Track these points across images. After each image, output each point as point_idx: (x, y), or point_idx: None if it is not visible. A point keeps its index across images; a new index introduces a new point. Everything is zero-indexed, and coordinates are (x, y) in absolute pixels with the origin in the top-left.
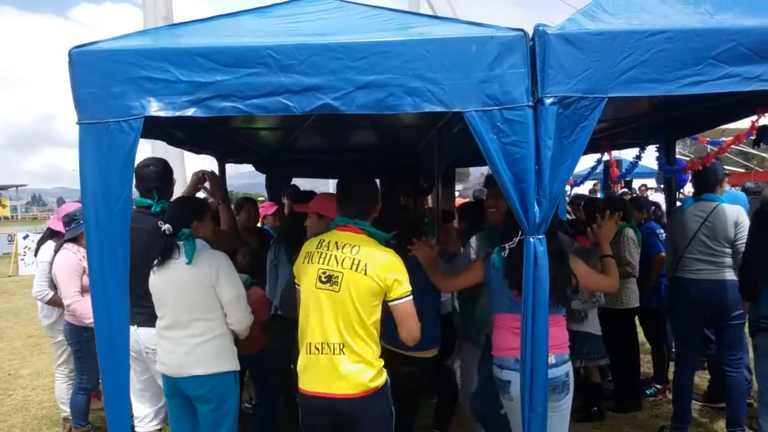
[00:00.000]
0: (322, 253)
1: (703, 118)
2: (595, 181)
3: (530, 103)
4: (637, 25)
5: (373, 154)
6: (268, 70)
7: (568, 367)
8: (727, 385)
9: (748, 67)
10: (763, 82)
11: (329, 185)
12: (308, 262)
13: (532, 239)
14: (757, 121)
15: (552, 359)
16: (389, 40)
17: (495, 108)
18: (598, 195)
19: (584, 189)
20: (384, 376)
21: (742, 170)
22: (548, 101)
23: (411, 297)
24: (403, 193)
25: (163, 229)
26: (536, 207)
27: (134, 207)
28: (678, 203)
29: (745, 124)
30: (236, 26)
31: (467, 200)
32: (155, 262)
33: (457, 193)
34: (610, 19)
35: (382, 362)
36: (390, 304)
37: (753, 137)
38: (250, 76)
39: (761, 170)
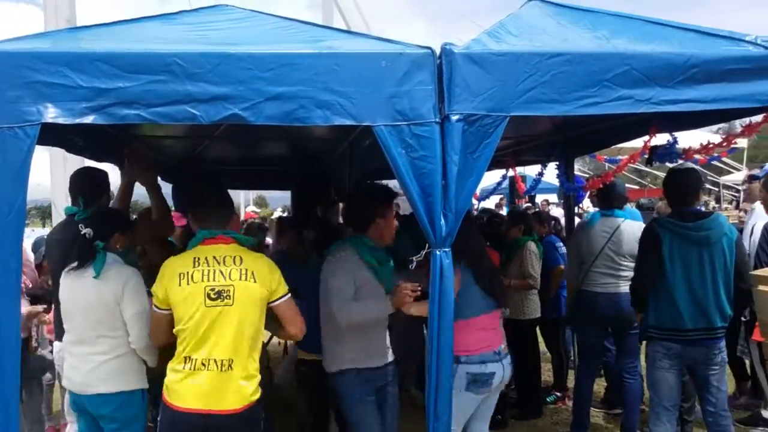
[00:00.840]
0: (203, 270)
1: (599, 137)
2: (501, 196)
3: (437, 120)
4: (538, 47)
5: (285, 165)
6: (173, 78)
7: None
8: (625, 391)
9: (640, 90)
10: (654, 104)
11: (240, 196)
12: (187, 283)
13: (438, 252)
14: (649, 141)
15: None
16: (299, 52)
17: (403, 123)
18: (504, 209)
19: (491, 203)
20: (260, 390)
21: (637, 187)
22: (454, 118)
23: (290, 295)
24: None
25: (83, 232)
26: (443, 220)
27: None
28: (577, 218)
29: (639, 143)
30: (142, 32)
31: None
32: (70, 266)
33: None
34: (514, 40)
35: (259, 376)
36: (275, 304)
37: (646, 156)
38: (155, 84)
39: (654, 187)
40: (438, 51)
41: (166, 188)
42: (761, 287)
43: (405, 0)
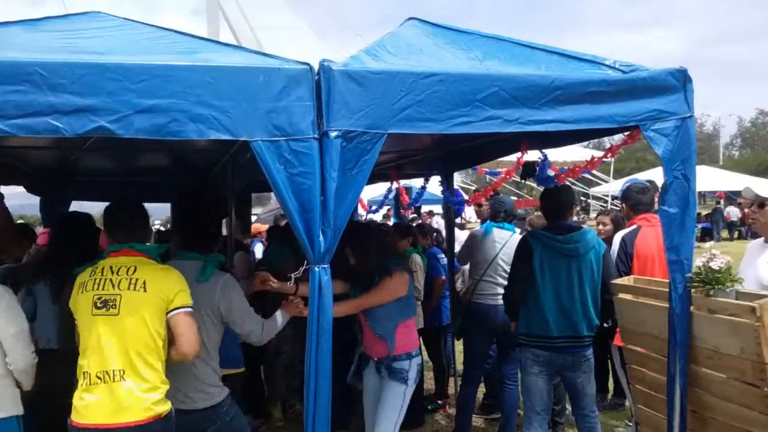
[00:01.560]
0: (96, 279)
1: (478, 152)
2: (389, 207)
3: (316, 136)
4: (414, 67)
5: (164, 176)
6: (34, 88)
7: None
8: (505, 397)
9: (509, 110)
10: (521, 124)
11: None
12: (82, 292)
13: (317, 268)
14: (521, 157)
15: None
16: (173, 63)
17: (282, 139)
18: (392, 220)
19: (379, 215)
20: (169, 403)
21: (515, 198)
22: (333, 134)
23: (191, 309)
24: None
25: None
26: (321, 237)
27: None
28: (458, 230)
29: (515, 157)
30: (1, 38)
31: (267, 225)
32: None
33: (254, 218)
34: (391, 59)
35: (167, 386)
36: (169, 315)
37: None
38: (14, 94)
39: (530, 198)
40: (317, 67)
41: (34, 200)
42: (621, 295)
43: (294, 10)
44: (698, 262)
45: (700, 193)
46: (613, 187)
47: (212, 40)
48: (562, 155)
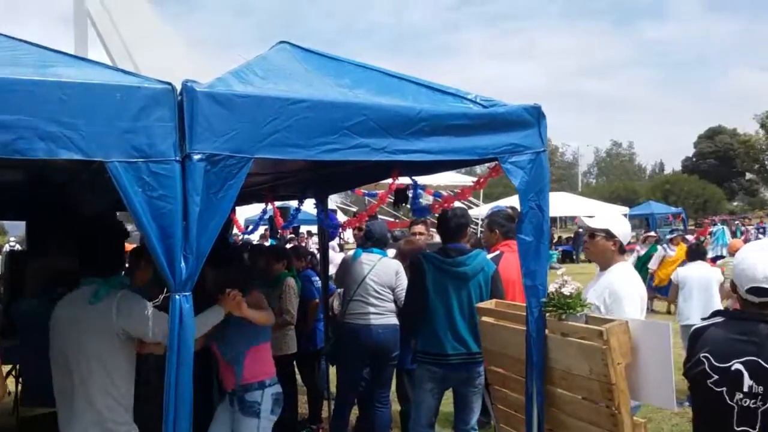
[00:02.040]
0: None
1: (351, 177)
2: (266, 227)
3: (178, 158)
4: (283, 92)
5: (19, 192)
6: None
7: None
8: (376, 420)
9: (376, 139)
10: (388, 153)
11: None
12: None
13: (178, 296)
14: (393, 183)
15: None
16: (20, 78)
17: (141, 160)
18: (269, 241)
19: (255, 235)
20: None
21: (392, 219)
22: (196, 157)
23: None
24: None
25: None
26: (183, 263)
27: None
28: (333, 251)
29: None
30: None
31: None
32: None
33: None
34: (260, 83)
35: None
36: None
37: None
38: None
39: (407, 219)
40: (179, 87)
41: None
42: (484, 318)
43: (170, 22)
44: (551, 287)
45: (561, 218)
46: (483, 210)
47: (68, 54)
48: (437, 180)
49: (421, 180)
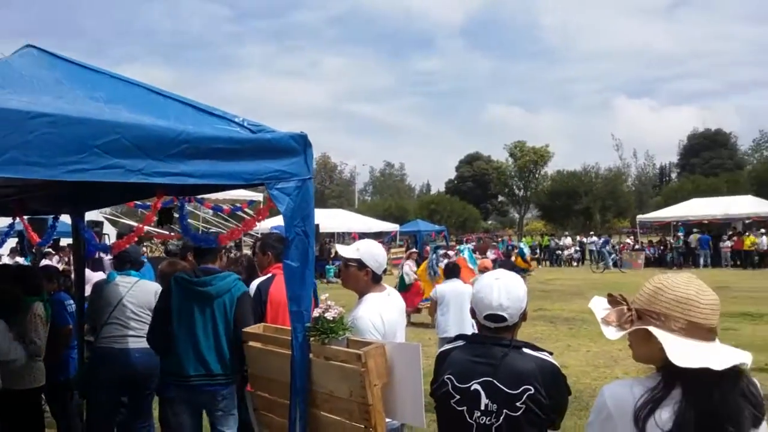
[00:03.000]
0: None
1: (109, 194)
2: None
3: None
4: (24, 104)
5: None
6: None
7: None
8: None
9: (131, 160)
10: (145, 175)
11: None
12: None
13: None
14: (157, 203)
15: None
16: None
17: None
18: (18, 258)
19: (5, 250)
20: None
21: (166, 231)
22: None
23: None
24: None
25: None
26: None
27: None
28: (89, 271)
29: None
30: None
31: None
32: None
33: None
34: None
35: None
36: None
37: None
38: None
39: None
40: None
41: None
42: (251, 343)
43: None
44: (315, 312)
45: (338, 233)
46: (266, 224)
47: None
48: (218, 193)
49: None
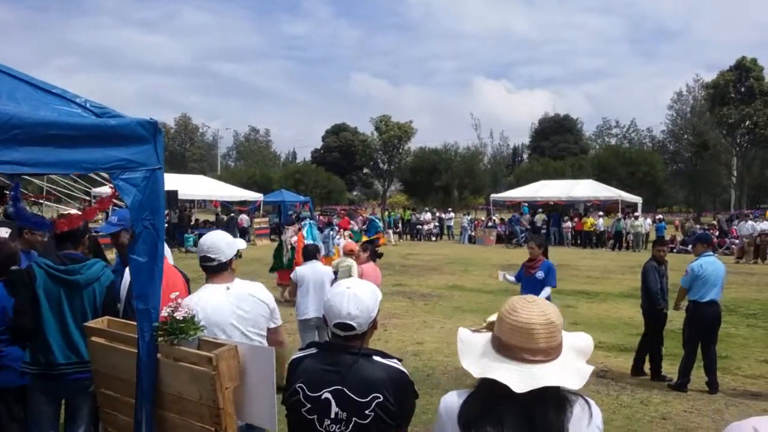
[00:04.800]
0: None
1: None
2: None
3: None
4: None
5: None
6: None
7: None
8: None
9: None
10: None
11: None
12: None
13: None
14: None
15: None
16: None
17: None
18: None
19: None
20: None
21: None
22: None
23: None
24: None
25: None
26: None
27: None
28: None
29: None
30: None
31: None
32: None
33: None
34: None
35: None
36: None
37: None
38: None
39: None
40: None
41: None
42: (94, 338)
43: None
44: (164, 312)
45: (198, 201)
46: None
47: None
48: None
49: None
